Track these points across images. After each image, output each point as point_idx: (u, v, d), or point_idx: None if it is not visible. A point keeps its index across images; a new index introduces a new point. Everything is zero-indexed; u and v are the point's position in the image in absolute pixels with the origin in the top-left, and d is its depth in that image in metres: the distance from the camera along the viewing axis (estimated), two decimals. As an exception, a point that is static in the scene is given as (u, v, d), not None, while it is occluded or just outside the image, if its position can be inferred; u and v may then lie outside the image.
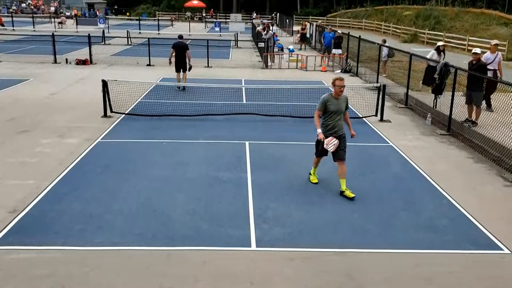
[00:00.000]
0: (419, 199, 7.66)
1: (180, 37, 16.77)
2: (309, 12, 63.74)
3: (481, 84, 11.35)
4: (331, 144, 7.46)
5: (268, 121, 12.28)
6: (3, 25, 41.63)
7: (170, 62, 16.33)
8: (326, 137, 7.54)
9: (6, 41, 29.97)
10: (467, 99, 11.55)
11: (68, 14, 60.63)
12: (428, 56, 15.33)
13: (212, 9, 67.58)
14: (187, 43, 17.01)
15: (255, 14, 59.88)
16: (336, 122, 7.57)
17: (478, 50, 11.90)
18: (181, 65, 16.03)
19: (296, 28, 38.55)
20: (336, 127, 7.58)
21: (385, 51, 19.01)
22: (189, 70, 16.36)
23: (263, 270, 5.52)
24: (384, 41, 20.06)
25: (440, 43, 16.09)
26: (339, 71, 21.49)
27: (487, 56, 13.35)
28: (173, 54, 15.98)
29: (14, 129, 11.08)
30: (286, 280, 5.35)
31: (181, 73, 16.13)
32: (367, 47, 21.64)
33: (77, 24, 44.11)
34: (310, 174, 8.30)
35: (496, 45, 13.74)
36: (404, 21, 43.94)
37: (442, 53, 15.42)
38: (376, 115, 12.73)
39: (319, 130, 7.61)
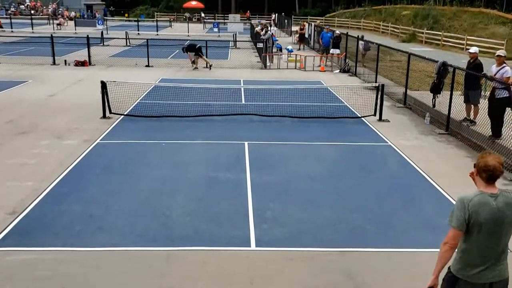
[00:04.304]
0: (418, 198, 7.67)
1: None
2: (307, 12, 63.73)
3: (478, 83, 11.35)
4: None
5: (267, 121, 12.29)
6: (1, 27, 41.59)
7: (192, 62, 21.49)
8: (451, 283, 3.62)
9: (5, 42, 29.91)
10: (465, 98, 11.57)
11: (65, 15, 60.50)
12: None
13: (248, 11, 65.58)
14: (195, 45, 21.43)
15: (274, 15, 58.25)
16: (490, 250, 3.50)
17: (473, 49, 11.82)
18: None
19: (295, 28, 38.55)
20: (488, 261, 3.49)
21: (361, 45, 20.73)
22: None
23: (263, 270, 5.53)
24: (362, 37, 21.53)
25: None
26: (338, 71, 21.51)
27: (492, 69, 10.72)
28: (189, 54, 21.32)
29: (12, 130, 11.08)
30: (286, 280, 5.36)
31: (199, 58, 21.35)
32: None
33: (75, 26, 44.08)
34: None
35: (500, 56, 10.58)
36: (403, 20, 43.98)
37: None
38: (375, 114, 12.73)
39: (436, 273, 3.63)
